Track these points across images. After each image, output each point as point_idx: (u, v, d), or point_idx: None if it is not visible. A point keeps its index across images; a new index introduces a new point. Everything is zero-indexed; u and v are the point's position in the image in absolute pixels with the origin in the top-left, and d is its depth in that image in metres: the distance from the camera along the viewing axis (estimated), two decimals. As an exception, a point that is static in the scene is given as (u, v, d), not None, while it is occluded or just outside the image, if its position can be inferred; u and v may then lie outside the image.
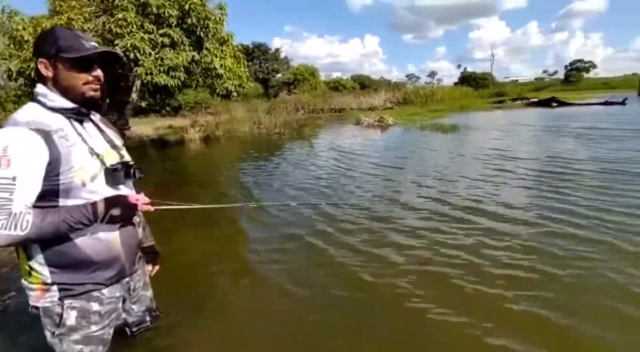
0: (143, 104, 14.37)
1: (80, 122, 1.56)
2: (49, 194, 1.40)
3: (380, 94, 31.22)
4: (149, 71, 8.66)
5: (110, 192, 1.55)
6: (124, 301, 1.82)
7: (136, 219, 1.73)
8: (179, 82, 9.26)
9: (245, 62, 11.51)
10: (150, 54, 8.80)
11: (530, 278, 3.01)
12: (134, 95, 10.48)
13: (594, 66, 56.85)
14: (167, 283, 2.65)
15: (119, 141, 1.74)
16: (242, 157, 10.49)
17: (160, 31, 8.99)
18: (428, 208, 4.86)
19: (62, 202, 1.43)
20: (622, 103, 22.12)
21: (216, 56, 10.09)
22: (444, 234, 4.00)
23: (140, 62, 8.65)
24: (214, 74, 10.31)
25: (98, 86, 1.54)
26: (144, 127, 16.97)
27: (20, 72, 8.01)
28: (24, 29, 8.06)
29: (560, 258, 3.32)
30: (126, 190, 1.64)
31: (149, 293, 2.02)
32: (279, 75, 41.11)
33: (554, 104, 24.83)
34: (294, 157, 9.58)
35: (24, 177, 1.31)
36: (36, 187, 1.35)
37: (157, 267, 2.09)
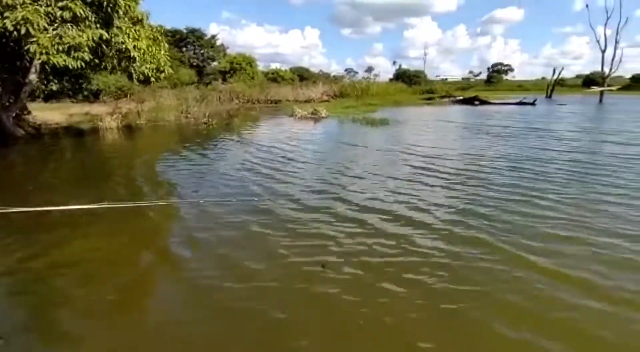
0: (54, 87, 12.80)
1: None
2: None
3: (318, 87, 31.28)
4: (44, 50, 7.60)
5: None
6: None
7: None
8: (83, 64, 8.24)
9: (166, 45, 10.68)
10: (46, 29, 7.74)
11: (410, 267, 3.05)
12: (32, 77, 9.21)
13: (511, 69, 62.06)
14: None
15: None
16: (160, 148, 9.79)
17: (60, 4, 7.92)
18: (327, 206, 4.75)
19: None
20: (533, 104, 24.39)
21: (129, 36, 9.19)
22: (340, 233, 3.92)
23: (35, 39, 7.58)
24: (127, 56, 9.41)
25: None
26: (54, 114, 15.24)
27: None
28: None
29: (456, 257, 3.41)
30: None
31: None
32: (214, 63, 39.46)
33: (477, 102, 26.62)
34: (216, 150, 9.12)
35: None
36: None
37: None
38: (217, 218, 4.31)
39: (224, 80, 33.92)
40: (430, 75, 53.22)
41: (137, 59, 9.42)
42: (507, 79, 59.68)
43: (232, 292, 2.76)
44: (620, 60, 32.26)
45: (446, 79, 58.89)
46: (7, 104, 10.14)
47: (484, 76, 62.60)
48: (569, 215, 4.24)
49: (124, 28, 9.15)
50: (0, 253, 3.28)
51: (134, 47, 9.24)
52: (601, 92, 30.00)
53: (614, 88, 33.03)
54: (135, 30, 9.40)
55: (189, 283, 2.92)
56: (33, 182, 6.17)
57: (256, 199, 5.00)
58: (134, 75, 10.13)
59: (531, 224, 4.00)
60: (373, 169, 6.78)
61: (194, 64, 36.58)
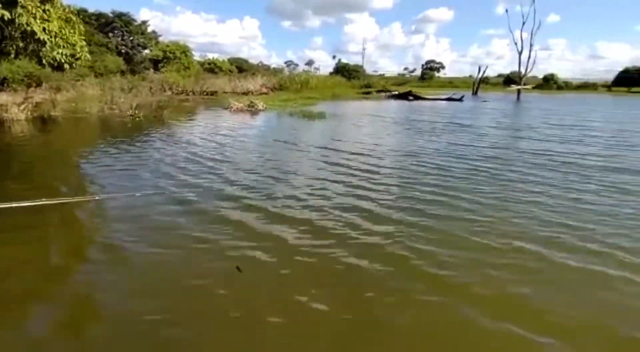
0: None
1: None
2: None
3: (257, 79, 30.62)
4: None
5: None
6: None
7: None
8: (-23, 46, 7.26)
9: (82, 28, 9.70)
10: None
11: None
12: None
13: (443, 67, 65.80)
14: None
15: None
16: (77, 144, 8.98)
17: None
18: (249, 204, 4.69)
19: None
20: (460, 100, 26.09)
21: (35, 17, 8.21)
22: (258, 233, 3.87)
23: None
24: (34, 39, 8.41)
25: None
26: (-53, 103, 13.28)
27: None
28: None
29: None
30: None
31: None
32: (146, 51, 36.96)
33: (411, 98, 27.82)
34: (142, 143, 8.54)
35: None
36: None
37: None
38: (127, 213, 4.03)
39: (156, 69, 31.97)
40: (369, 70, 54.79)
41: (47, 42, 8.45)
42: (438, 76, 63.13)
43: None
44: (534, 62, 35.80)
45: (384, 74, 60.95)
46: None
47: (418, 73, 65.67)
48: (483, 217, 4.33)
49: (30, 7, 8.14)
50: None
51: (44, 29, 8.27)
52: (518, 90, 32.92)
53: (529, 87, 36.50)
54: (44, 10, 8.40)
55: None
56: None
57: (165, 192, 4.81)
58: (44, 61, 9.10)
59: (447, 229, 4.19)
60: (300, 167, 6.68)
61: (122, 51, 33.99)
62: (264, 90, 28.12)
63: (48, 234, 3.75)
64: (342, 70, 48.10)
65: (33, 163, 6.88)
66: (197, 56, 40.59)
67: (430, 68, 64.22)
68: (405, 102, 25.42)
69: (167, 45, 36.87)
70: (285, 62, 65.53)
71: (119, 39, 35.39)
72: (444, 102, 25.83)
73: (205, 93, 26.07)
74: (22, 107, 12.19)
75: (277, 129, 11.74)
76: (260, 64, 51.59)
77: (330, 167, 6.63)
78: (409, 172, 6.36)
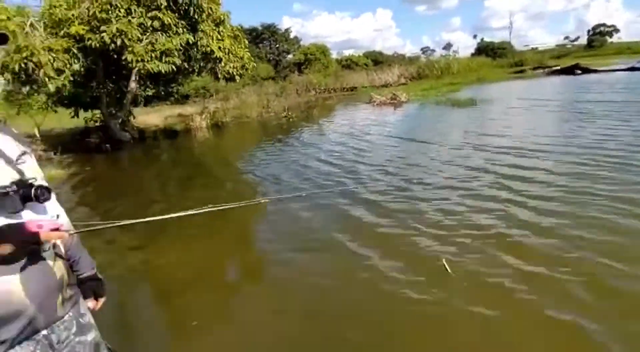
0: (150, 93, 13.97)
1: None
2: None
3: (394, 70, 30.08)
4: (139, 58, 8.19)
5: (4, 222, 1.12)
6: (47, 357, 1.42)
7: (49, 252, 1.31)
8: (174, 68, 8.75)
9: (246, 42, 10.90)
10: (139, 39, 8.32)
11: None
12: (132, 85, 10.07)
13: (616, 30, 53.68)
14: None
15: (16, 152, 1.31)
16: (247, 145, 10.09)
17: (149, 14, 8.46)
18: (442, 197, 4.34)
19: None
20: (646, 68, 20.63)
21: (212, 38, 9.53)
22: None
23: (130, 49, 8.19)
24: (212, 57, 9.78)
25: None
26: (153, 117, 16.71)
27: (5, 65, 7.64)
28: (8, 19, 7.67)
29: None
30: (32, 216, 1.21)
31: (90, 337, 1.61)
32: (289, 56, 40.15)
33: (578, 71, 23.34)
34: (300, 142, 9.09)
35: None
36: None
37: (101, 300, 1.65)
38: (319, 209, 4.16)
39: (300, 71, 34.38)
40: (518, 46, 48.36)
41: (223, 58, 9.75)
42: (611, 42, 51.71)
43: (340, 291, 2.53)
44: None
45: (537, 48, 52.85)
46: (114, 111, 11.23)
47: (583, 41, 55.05)
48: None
49: (207, 31, 9.52)
50: (118, 258, 3.45)
51: (219, 48, 9.56)
52: None
53: None
54: (218, 32, 9.72)
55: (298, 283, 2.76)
56: (142, 188, 6.66)
57: (353, 188, 4.84)
58: (220, 75, 10.56)
59: None
60: (466, 162, 5.91)
61: (270, 58, 37.59)
62: (402, 80, 27.46)
63: (256, 227, 4.16)
64: (486, 50, 43.71)
65: (221, 165, 7.97)
66: (334, 55, 42.24)
67: (600, 33, 53.17)
68: (572, 78, 21.41)
69: (308, 48, 39.28)
70: (421, 49, 63.07)
71: (267, 48, 39.28)
72: (623, 72, 20.80)
73: (344, 89, 26.86)
74: (203, 116, 14.48)
75: (428, 120, 11.11)
76: (395, 54, 50.65)
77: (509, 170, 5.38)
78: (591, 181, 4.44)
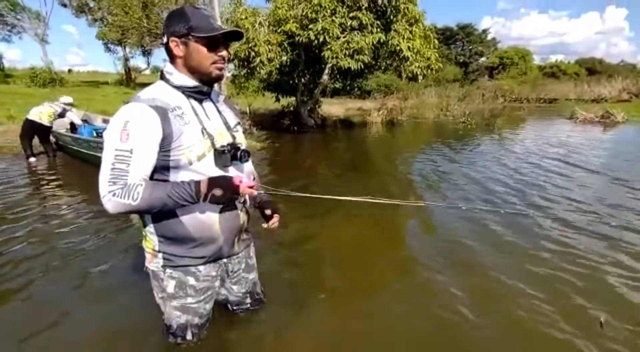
0: (337, 85, 15.34)
1: (200, 101, 1.59)
2: (161, 169, 1.48)
3: (615, 82, 24.54)
4: (334, 55, 9.05)
5: (218, 173, 1.54)
6: (222, 280, 1.86)
7: (239, 204, 1.70)
8: (362, 65, 9.36)
9: (436, 42, 10.73)
10: (338, 37, 9.16)
11: None
12: (324, 77, 11.24)
13: None
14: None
15: (234, 121, 1.73)
16: (417, 146, 10.03)
17: (351, 14, 9.20)
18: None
19: (172, 177, 1.49)
20: None
21: (403, 38, 9.71)
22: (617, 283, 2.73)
23: (329, 46, 9.12)
24: (400, 57, 10.01)
25: (223, 65, 1.54)
26: (335, 108, 18.29)
27: (235, 53, 9.63)
28: (245, 18, 9.63)
29: None
30: (235, 173, 1.61)
31: (252, 276, 2.03)
32: (482, 58, 37.49)
33: None
34: (473, 152, 8.51)
35: (139, 151, 1.39)
36: (150, 161, 1.42)
37: (277, 217, 1.87)
38: (477, 227, 3.95)
39: (491, 76, 31.76)
40: None
41: (410, 58, 9.90)
42: None
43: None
44: None
45: None
46: (305, 99, 12.80)
47: None
48: None
49: (400, 30, 9.77)
50: (285, 230, 4.03)
51: (408, 48, 9.72)
52: None
53: None
54: (410, 31, 9.87)
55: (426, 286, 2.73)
56: (316, 166, 7.49)
57: (527, 211, 4.33)
58: (403, 74, 10.77)
59: None
60: None
61: (460, 60, 35.85)
62: (625, 96, 22.23)
63: (412, 226, 4.25)
64: None
65: (388, 161, 8.22)
66: (537, 60, 37.30)
67: None
68: None
69: (505, 51, 35.92)
70: (663, 59, 49.37)
71: (459, 49, 37.51)
72: None
73: (542, 100, 23.56)
74: (380, 112, 15.07)
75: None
76: (621, 63, 41.27)
77: None
78: None
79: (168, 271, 1.64)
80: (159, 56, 40.53)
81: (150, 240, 1.62)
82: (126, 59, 31.31)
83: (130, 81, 29.50)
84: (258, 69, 9.64)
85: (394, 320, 2.38)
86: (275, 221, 1.84)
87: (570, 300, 2.61)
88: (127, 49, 30.45)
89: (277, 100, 14.03)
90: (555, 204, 4.72)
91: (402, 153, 8.99)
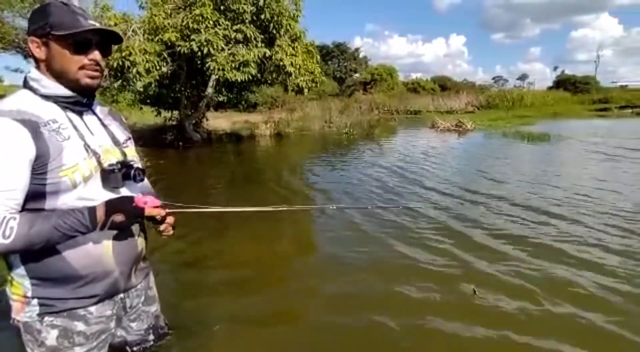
0: (222, 99, 14.94)
1: (80, 113, 1.36)
2: (34, 195, 1.19)
3: (462, 97, 29.32)
4: (220, 67, 8.86)
5: (107, 196, 1.32)
6: (119, 319, 1.61)
7: (136, 227, 1.50)
8: (249, 77, 9.35)
9: (318, 57, 11.34)
10: (223, 49, 9.00)
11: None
12: (209, 90, 10.87)
13: None
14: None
15: (123, 136, 1.53)
16: (306, 156, 10.36)
17: (234, 27, 9.15)
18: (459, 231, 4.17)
19: (48, 205, 1.22)
20: None
21: (287, 54, 10.04)
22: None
23: (214, 58, 8.88)
24: (284, 71, 10.30)
25: (96, 73, 1.31)
26: (222, 122, 17.76)
27: (107, 64, 8.67)
28: (115, 24, 8.74)
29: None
30: (128, 194, 1.41)
31: (154, 309, 1.79)
32: (356, 74, 40.79)
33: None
34: (359, 160, 9.17)
35: (6, 177, 1.11)
36: (21, 187, 1.15)
37: (171, 219, 1.54)
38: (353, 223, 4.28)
39: (365, 91, 34.72)
40: (605, 82, 44.90)
41: (293, 73, 10.22)
42: None
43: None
44: None
45: (626, 85, 48.66)
46: (189, 113, 12.17)
47: (684, 81, 49.67)
48: None
49: (283, 46, 10.06)
50: (190, 245, 3.74)
51: (291, 63, 10.05)
52: None
53: None
54: (293, 47, 10.23)
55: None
56: (208, 183, 7.14)
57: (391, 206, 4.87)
58: (289, 87, 11.07)
59: None
60: (528, 202, 5.43)
61: (337, 76, 38.42)
62: (470, 108, 26.68)
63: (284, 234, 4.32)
64: (565, 84, 41.18)
65: (273, 170, 8.28)
66: (401, 77, 42.17)
67: None
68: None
69: (375, 68, 39.67)
70: (493, 78, 60.83)
71: (335, 65, 40.25)
72: None
73: (408, 112, 26.65)
74: (267, 125, 15.16)
75: (494, 151, 10.63)
76: (464, 81, 49.37)
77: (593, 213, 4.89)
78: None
79: (47, 319, 1.34)
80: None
81: (19, 285, 1.31)
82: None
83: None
84: (134, 80, 8.81)
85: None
86: (170, 223, 1.54)
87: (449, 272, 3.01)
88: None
89: (158, 114, 12.99)
90: (435, 195, 5.38)
91: (293, 163, 9.19)
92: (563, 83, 41.54)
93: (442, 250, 3.63)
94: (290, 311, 2.74)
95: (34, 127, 1.17)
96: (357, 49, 41.90)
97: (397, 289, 2.89)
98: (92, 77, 1.30)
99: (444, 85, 42.34)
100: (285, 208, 2.19)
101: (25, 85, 1.29)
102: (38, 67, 1.28)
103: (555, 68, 58.47)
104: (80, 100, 1.33)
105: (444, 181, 6.63)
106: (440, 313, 2.57)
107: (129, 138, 1.56)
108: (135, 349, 1.78)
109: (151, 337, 1.80)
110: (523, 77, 60.00)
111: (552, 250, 3.62)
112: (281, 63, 10.14)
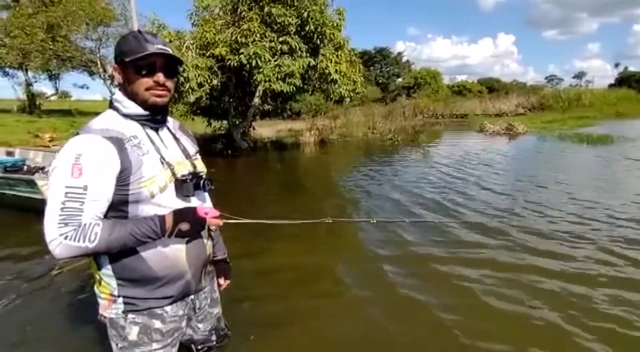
0: (268, 108, 15.40)
1: (156, 129, 1.51)
2: (118, 204, 1.36)
3: (511, 98, 28.02)
4: (267, 78, 9.16)
5: (180, 204, 1.45)
6: (189, 319, 1.74)
7: (205, 233, 1.63)
8: (294, 88, 9.59)
9: (361, 67, 11.40)
10: (269, 61, 9.30)
11: None
12: (256, 100, 11.25)
13: None
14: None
15: (192, 150, 1.66)
16: (351, 163, 10.38)
17: (280, 39, 9.43)
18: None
19: (131, 213, 1.37)
20: None
21: (331, 61, 10.18)
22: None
23: (261, 69, 9.21)
24: (329, 80, 10.44)
25: (163, 92, 1.44)
26: (267, 130, 18.26)
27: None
28: (170, 41, 9.34)
29: None
30: (197, 202, 1.54)
31: (217, 311, 1.92)
32: (399, 79, 40.36)
33: None
34: (404, 167, 9.05)
35: (95, 187, 1.27)
36: (107, 197, 1.31)
37: (227, 282, 1.96)
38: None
39: (408, 95, 34.23)
40: (675, 78, 41.00)
41: (338, 81, 10.34)
42: None
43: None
44: None
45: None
46: (237, 122, 12.65)
47: None
48: None
49: (327, 54, 10.23)
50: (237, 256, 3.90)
51: (336, 71, 10.19)
52: None
53: None
54: (337, 55, 10.37)
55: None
56: (258, 192, 7.37)
57: (436, 221, 4.73)
58: (332, 96, 11.21)
59: None
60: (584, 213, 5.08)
61: (380, 81, 38.22)
62: (521, 110, 25.44)
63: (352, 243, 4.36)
64: (629, 81, 38.09)
65: (320, 179, 8.38)
66: (446, 80, 41.14)
67: None
68: None
69: (419, 72, 38.97)
70: (546, 78, 57.63)
71: (378, 71, 40.07)
72: None
73: (454, 116, 25.90)
74: (311, 132, 15.39)
75: (550, 156, 10.10)
76: (514, 82, 47.19)
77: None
78: None
79: (130, 316, 1.49)
80: (69, 81, 37.23)
81: (107, 284, 1.47)
82: (29, 85, 28.22)
83: (34, 108, 26.57)
84: (187, 94, 9.35)
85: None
86: (224, 286, 1.94)
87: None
88: (30, 74, 27.52)
89: (209, 124, 13.69)
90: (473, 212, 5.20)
91: (337, 171, 9.25)
92: (626, 80, 38.54)
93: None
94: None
95: (119, 143, 1.33)
96: (399, 54, 41.53)
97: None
98: (158, 96, 1.43)
99: (491, 87, 40.81)
100: (330, 221, 2.26)
101: (111, 105, 1.46)
102: (120, 90, 1.45)
103: (617, 65, 54.20)
104: (155, 117, 1.48)
105: (500, 191, 6.37)
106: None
107: (197, 151, 1.69)
108: (199, 347, 1.92)
109: (214, 337, 1.93)
110: (580, 75, 56.35)
111: None
112: (326, 71, 10.29)
